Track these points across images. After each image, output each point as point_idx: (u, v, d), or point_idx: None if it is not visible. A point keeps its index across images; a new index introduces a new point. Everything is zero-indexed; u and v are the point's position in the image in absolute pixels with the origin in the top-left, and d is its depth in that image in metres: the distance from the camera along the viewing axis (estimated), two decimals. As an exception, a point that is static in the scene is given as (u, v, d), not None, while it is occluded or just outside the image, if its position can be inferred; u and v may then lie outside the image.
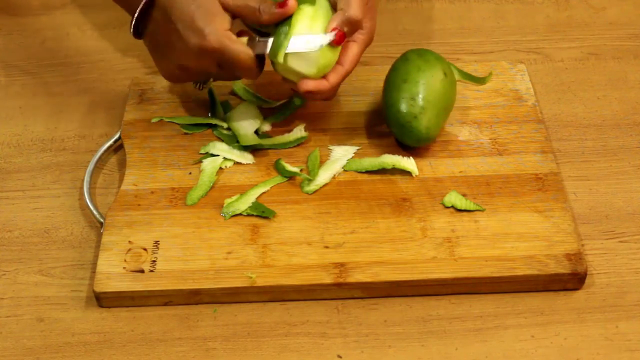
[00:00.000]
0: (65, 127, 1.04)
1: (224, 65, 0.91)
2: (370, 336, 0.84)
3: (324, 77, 0.92)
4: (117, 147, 1.01)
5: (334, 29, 0.89)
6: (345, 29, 0.90)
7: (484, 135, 0.99)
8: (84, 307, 0.87)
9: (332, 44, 0.90)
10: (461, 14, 1.18)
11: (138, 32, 0.95)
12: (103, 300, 0.87)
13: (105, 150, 1.00)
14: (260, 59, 0.92)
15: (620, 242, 0.91)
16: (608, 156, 0.99)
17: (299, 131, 0.99)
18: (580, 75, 1.08)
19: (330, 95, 0.94)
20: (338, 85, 0.93)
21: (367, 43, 0.94)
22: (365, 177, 0.95)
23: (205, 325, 0.86)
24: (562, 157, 0.98)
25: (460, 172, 0.95)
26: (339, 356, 0.83)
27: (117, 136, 1.01)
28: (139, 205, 0.93)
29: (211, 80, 0.99)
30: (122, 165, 0.99)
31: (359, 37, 0.93)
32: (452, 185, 0.93)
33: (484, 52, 1.12)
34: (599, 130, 1.02)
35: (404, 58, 0.97)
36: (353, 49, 0.93)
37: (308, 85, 0.91)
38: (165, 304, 0.87)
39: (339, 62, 0.92)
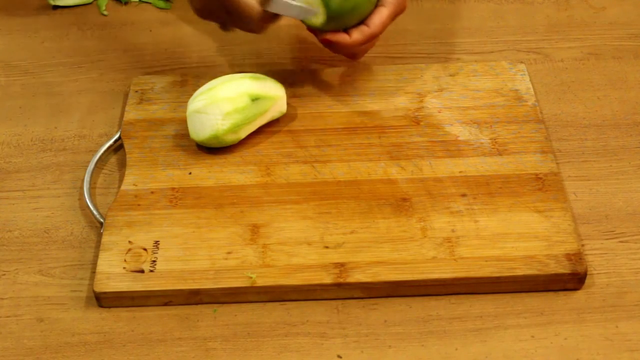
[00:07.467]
0: (65, 127, 1.04)
1: (230, 10, 0.92)
2: (370, 336, 0.84)
3: (347, 32, 0.92)
4: (117, 147, 1.01)
5: None
6: None
7: (484, 135, 0.99)
8: (84, 307, 0.87)
9: None
10: (461, 14, 1.18)
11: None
12: (103, 300, 0.87)
13: (105, 150, 1.00)
14: (270, 15, 0.93)
15: (620, 242, 0.91)
16: (608, 156, 0.99)
17: None
18: (580, 75, 1.08)
19: (353, 53, 0.95)
20: (361, 44, 0.94)
21: (398, 11, 0.94)
22: (365, 177, 0.95)
23: (205, 325, 0.86)
24: (562, 157, 0.98)
25: (460, 172, 0.95)
26: (339, 356, 0.83)
27: (117, 136, 1.01)
28: (139, 205, 0.93)
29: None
30: (122, 165, 0.99)
31: (390, 2, 0.93)
32: (452, 185, 0.93)
33: (484, 52, 1.12)
34: (599, 130, 1.02)
35: None
36: (382, 12, 0.93)
37: (326, 35, 0.93)
38: (165, 304, 0.87)
39: (365, 22, 0.93)
